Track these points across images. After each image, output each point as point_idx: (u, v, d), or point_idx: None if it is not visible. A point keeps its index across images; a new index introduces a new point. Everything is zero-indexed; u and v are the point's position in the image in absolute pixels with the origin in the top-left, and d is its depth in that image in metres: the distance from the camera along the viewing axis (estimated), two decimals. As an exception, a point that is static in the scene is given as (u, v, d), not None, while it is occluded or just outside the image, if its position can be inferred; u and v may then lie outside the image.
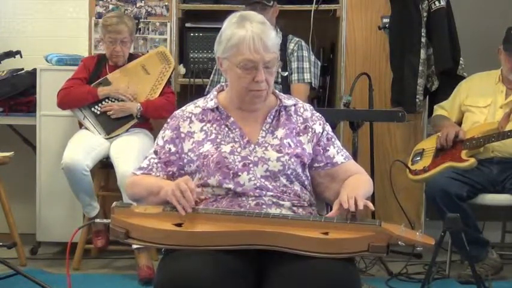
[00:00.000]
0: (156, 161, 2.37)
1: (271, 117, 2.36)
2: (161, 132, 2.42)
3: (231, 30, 2.26)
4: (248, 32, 2.23)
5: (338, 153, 2.39)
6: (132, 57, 4.29)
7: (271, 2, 4.22)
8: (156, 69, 4.27)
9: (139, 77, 4.24)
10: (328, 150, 2.38)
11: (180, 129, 2.37)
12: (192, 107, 2.42)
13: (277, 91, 2.47)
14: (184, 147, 2.34)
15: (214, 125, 2.35)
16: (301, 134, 2.36)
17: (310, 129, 2.37)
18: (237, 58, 2.25)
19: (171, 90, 4.32)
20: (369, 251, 2.02)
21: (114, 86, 4.16)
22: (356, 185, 2.29)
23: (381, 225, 2.04)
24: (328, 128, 2.43)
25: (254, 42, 2.22)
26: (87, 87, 4.14)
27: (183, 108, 2.44)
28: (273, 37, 2.27)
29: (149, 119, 4.26)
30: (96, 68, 4.23)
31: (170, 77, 4.32)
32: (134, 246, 3.88)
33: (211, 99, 2.39)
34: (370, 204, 2.13)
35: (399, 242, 2.04)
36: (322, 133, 2.39)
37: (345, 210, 2.12)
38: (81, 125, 4.24)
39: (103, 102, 4.15)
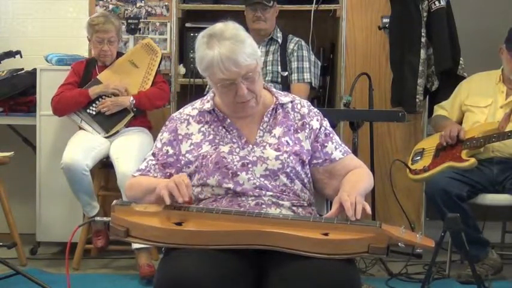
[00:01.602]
0: (154, 162, 2.38)
1: (268, 115, 2.37)
2: (159, 134, 2.43)
3: (201, 51, 2.24)
4: (215, 53, 2.19)
5: (336, 149, 2.39)
6: (119, 55, 4.30)
7: (272, 2, 4.22)
8: (144, 61, 4.27)
9: (129, 71, 4.25)
10: (326, 146, 2.38)
11: (177, 131, 2.38)
12: (190, 109, 2.42)
13: (273, 89, 2.47)
14: (182, 149, 2.35)
15: (212, 126, 2.36)
16: (299, 130, 2.37)
17: (307, 126, 2.37)
18: (213, 78, 2.25)
19: (163, 79, 4.32)
20: (369, 253, 2.01)
21: (105, 83, 4.16)
22: (355, 182, 2.29)
23: (381, 227, 2.04)
24: (326, 123, 2.43)
25: (223, 63, 2.18)
26: (78, 90, 4.16)
27: (181, 110, 2.45)
28: (246, 49, 2.21)
29: (146, 113, 4.27)
30: (86, 71, 4.24)
31: (159, 66, 4.32)
32: (134, 246, 3.88)
33: (208, 101, 2.39)
34: (368, 208, 2.13)
35: (399, 244, 2.04)
36: (319, 129, 2.39)
37: (344, 211, 2.12)
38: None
39: (96, 102, 4.16)
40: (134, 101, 4.12)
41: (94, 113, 4.16)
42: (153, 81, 4.23)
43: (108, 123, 4.15)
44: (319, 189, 2.41)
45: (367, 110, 4.10)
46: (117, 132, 4.15)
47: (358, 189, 2.22)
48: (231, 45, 2.20)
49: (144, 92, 4.18)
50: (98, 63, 4.25)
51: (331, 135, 2.41)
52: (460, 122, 4.10)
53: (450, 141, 3.91)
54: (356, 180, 2.31)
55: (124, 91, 4.15)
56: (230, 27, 2.26)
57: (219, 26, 2.27)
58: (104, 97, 4.16)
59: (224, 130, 2.35)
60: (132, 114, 4.15)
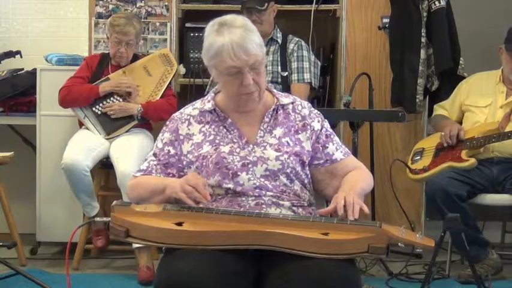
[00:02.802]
0: (155, 163, 2.38)
1: (269, 116, 2.37)
2: (160, 134, 2.43)
3: (211, 39, 2.26)
4: (226, 40, 2.21)
5: (337, 149, 2.40)
6: (135, 58, 4.28)
7: (265, 5, 4.21)
8: (159, 71, 4.26)
9: (141, 78, 4.23)
10: (328, 147, 2.39)
11: (178, 131, 2.38)
12: (190, 109, 2.43)
13: (274, 90, 2.47)
14: (183, 149, 2.35)
15: (213, 126, 2.36)
16: (299, 131, 2.37)
17: (308, 127, 2.38)
18: (221, 66, 2.25)
19: (173, 93, 4.31)
20: (369, 252, 2.02)
21: (116, 80, 4.15)
22: (354, 182, 2.30)
23: (381, 227, 2.04)
24: (326, 124, 2.44)
25: (233, 49, 2.20)
26: (89, 86, 4.14)
27: (181, 110, 2.45)
28: (255, 39, 2.25)
29: (149, 120, 4.25)
30: (99, 67, 4.23)
31: (172, 79, 4.32)
32: (134, 246, 3.87)
33: (209, 101, 2.40)
34: (365, 209, 2.13)
35: (399, 244, 2.04)
36: (320, 130, 2.40)
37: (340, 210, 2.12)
38: (81, 125, 4.24)
39: (104, 102, 4.15)
40: (142, 110, 4.11)
41: (99, 112, 4.15)
42: (163, 93, 4.21)
43: (111, 126, 4.14)
44: (320, 189, 2.41)
45: (367, 110, 4.10)
46: (118, 135, 4.14)
47: (356, 189, 2.23)
48: (242, 33, 2.23)
49: (153, 103, 4.16)
50: (111, 61, 4.24)
51: (331, 136, 2.42)
52: (460, 122, 4.10)
53: (450, 142, 3.91)
54: (355, 181, 2.31)
55: (136, 90, 4.13)
56: (240, 17, 2.30)
57: (229, 16, 2.31)
58: (114, 97, 4.14)
59: (225, 130, 2.35)
60: (135, 122, 4.14)
